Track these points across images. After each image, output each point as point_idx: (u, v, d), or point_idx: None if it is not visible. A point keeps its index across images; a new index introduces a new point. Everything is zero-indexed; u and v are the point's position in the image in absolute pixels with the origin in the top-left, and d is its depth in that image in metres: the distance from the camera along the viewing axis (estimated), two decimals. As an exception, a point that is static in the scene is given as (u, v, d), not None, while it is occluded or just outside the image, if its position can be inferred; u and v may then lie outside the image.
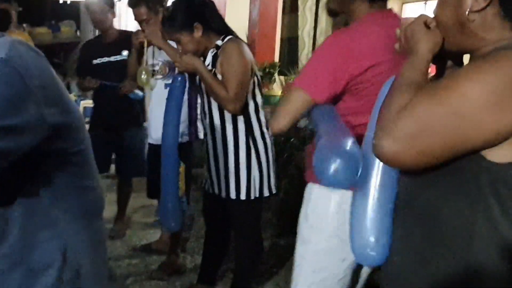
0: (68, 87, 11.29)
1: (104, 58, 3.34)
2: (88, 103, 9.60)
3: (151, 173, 3.04)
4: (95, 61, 3.35)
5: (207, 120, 2.33)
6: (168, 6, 2.49)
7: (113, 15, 3.38)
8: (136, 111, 3.42)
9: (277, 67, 5.15)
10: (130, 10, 3.03)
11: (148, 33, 2.68)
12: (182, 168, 2.38)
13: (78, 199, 1.05)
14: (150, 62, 2.88)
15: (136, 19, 2.94)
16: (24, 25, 11.51)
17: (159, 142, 2.85)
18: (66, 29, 12.16)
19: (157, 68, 2.69)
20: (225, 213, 2.45)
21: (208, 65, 2.28)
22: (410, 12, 7.64)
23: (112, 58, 3.33)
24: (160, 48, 2.70)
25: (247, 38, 5.30)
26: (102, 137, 3.24)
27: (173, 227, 2.46)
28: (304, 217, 1.61)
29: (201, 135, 2.73)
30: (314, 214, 1.56)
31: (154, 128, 2.93)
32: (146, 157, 3.27)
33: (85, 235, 1.07)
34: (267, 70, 4.80)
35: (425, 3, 7.24)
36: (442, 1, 1.02)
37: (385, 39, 1.41)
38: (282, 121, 1.48)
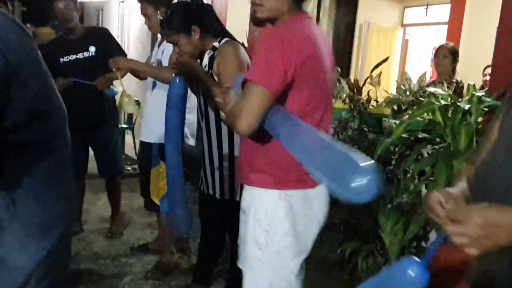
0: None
1: (72, 55, 3.27)
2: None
3: (144, 171, 3.07)
4: (62, 59, 3.26)
5: (204, 121, 2.35)
6: (166, 8, 2.51)
7: (78, 11, 3.31)
8: (107, 108, 3.40)
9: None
10: (132, 11, 3.08)
11: (116, 62, 2.76)
12: (162, 168, 2.39)
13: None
14: (153, 59, 2.98)
15: (141, 13, 2.99)
16: (28, 25, 11.62)
17: (151, 140, 2.87)
18: (70, 29, 12.16)
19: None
20: (220, 214, 2.46)
21: (205, 66, 2.29)
22: (411, 16, 7.67)
23: (80, 55, 3.28)
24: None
25: (248, 39, 5.32)
26: (76, 138, 3.23)
27: (185, 230, 2.48)
28: (257, 223, 1.63)
29: (188, 141, 2.78)
30: (267, 219, 1.61)
31: (149, 127, 2.94)
32: (138, 155, 3.30)
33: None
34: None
35: (427, 8, 7.26)
36: None
37: (313, 35, 1.56)
38: (250, 120, 1.47)
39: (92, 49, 3.26)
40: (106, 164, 3.55)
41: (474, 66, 4.70)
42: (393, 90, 4.18)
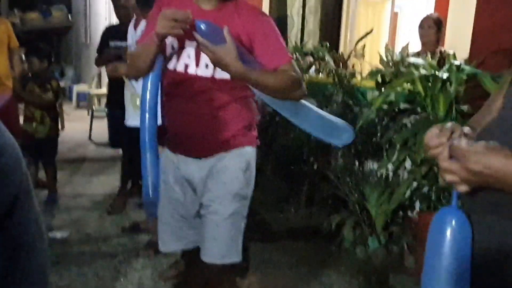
0: (62, 73, 11.28)
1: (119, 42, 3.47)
2: (82, 87, 9.65)
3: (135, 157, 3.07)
4: (111, 43, 3.54)
5: None
6: None
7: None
8: None
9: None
10: None
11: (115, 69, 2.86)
12: None
13: None
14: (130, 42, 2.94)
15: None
16: (15, 10, 11.47)
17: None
18: (58, 13, 12.06)
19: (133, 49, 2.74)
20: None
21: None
22: (401, 4, 7.60)
23: (124, 43, 3.35)
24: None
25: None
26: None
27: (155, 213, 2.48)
28: (242, 178, 1.75)
29: None
30: (251, 172, 1.79)
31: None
32: (125, 141, 3.32)
33: None
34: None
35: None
36: None
37: None
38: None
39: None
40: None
41: (462, 36, 4.69)
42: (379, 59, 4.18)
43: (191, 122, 1.68)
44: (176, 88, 1.70)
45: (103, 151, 5.89)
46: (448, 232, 0.94)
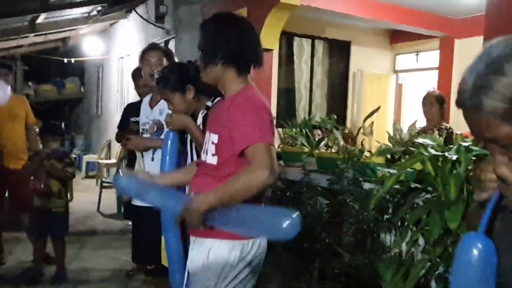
0: (72, 142, 11.48)
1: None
2: (92, 157, 9.78)
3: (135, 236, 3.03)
4: (132, 119, 3.48)
5: None
6: (164, 67, 2.62)
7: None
8: None
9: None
10: (131, 67, 3.13)
11: (131, 142, 2.88)
12: None
13: None
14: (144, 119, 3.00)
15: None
16: (30, 83, 11.88)
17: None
18: (71, 85, 12.49)
19: (147, 127, 2.82)
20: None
21: (199, 125, 2.37)
22: (403, 62, 7.86)
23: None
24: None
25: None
26: None
27: None
28: (200, 270, 1.77)
29: None
30: (216, 266, 1.75)
31: None
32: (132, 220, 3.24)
33: None
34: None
35: (417, 54, 7.46)
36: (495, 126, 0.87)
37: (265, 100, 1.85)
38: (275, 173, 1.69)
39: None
40: None
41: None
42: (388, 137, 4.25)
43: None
44: None
45: (111, 223, 5.88)
46: (474, 257, 0.94)
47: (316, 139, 3.80)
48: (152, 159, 2.93)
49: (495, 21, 2.83)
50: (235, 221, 1.69)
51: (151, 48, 3.07)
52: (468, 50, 6.05)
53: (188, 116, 2.36)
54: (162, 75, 2.47)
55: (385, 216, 2.99)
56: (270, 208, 1.84)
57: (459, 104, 0.91)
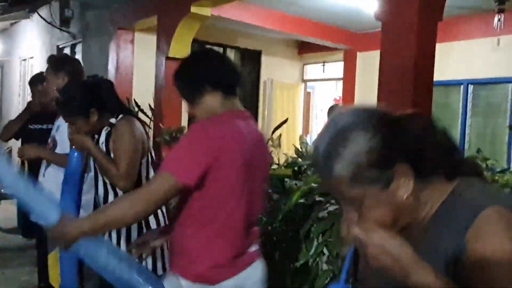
0: None
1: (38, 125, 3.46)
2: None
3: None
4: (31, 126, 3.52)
5: (99, 196, 2.32)
6: (63, 89, 2.46)
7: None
8: None
9: (184, 131, 5.22)
10: (34, 70, 3.03)
11: (23, 150, 2.83)
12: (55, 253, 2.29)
13: None
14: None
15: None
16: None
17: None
18: None
19: None
20: None
21: (102, 143, 2.29)
22: (310, 72, 8.18)
23: (45, 126, 3.35)
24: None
25: (154, 102, 5.36)
26: None
27: None
28: None
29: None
30: None
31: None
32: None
33: None
34: (173, 134, 4.85)
35: (323, 65, 7.80)
36: (369, 207, 0.95)
37: (238, 131, 1.70)
38: (144, 204, 1.60)
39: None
40: None
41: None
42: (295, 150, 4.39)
43: None
44: None
45: (10, 238, 5.50)
46: None
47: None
48: (43, 175, 2.86)
49: (389, 37, 3.02)
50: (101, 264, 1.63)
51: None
52: (369, 63, 6.44)
53: (89, 138, 2.27)
54: (63, 101, 2.32)
55: (293, 228, 3.09)
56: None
57: (314, 170, 1.00)
